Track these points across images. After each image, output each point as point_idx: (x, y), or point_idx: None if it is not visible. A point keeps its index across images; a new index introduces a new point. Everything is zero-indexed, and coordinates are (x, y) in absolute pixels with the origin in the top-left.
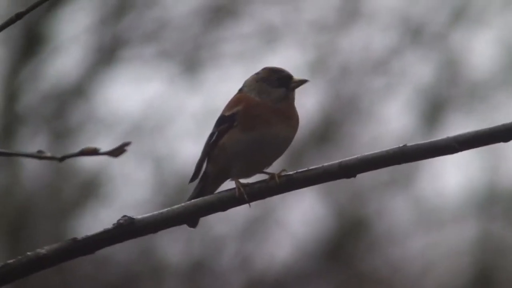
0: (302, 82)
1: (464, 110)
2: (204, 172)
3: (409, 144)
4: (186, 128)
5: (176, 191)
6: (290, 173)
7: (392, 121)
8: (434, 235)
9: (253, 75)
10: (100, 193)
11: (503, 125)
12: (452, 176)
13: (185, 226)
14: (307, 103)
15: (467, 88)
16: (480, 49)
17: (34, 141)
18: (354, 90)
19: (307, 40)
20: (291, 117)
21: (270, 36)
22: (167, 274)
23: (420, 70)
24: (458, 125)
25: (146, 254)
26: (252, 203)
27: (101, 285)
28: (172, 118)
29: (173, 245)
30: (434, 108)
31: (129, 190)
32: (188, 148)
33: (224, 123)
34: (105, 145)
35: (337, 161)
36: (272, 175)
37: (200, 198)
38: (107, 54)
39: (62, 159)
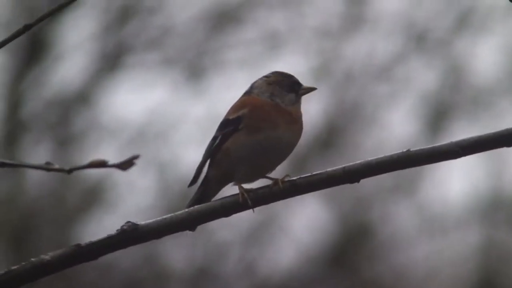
0: (311, 89)
1: (468, 117)
2: (205, 176)
3: (412, 149)
4: (189, 134)
5: (180, 197)
6: (294, 178)
7: (396, 127)
8: (437, 241)
9: (262, 78)
10: (104, 199)
11: (506, 130)
12: (456, 183)
13: (186, 231)
14: (311, 109)
15: (471, 94)
16: (484, 56)
17: (38, 148)
18: (358, 96)
19: (311, 46)
20: (296, 122)
21: (273, 42)
22: (171, 280)
23: (424, 76)
24: (462, 132)
25: (149, 260)
26: (256, 209)
27: None
28: (175, 124)
29: (177, 251)
30: (438, 115)
31: (133, 197)
32: (192, 155)
33: (229, 126)
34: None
35: (341, 166)
36: (275, 181)
37: (204, 204)
38: (110, 61)
39: (70, 171)
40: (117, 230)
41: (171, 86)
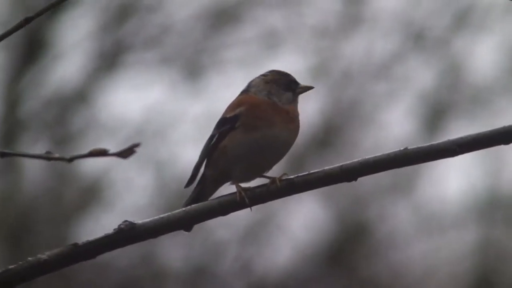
0: (308, 88)
1: (466, 116)
2: (202, 175)
3: (410, 147)
4: (187, 133)
5: (177, 196)
6: (291, 177)
7: (394, 126)
8: (435, 240)
9: (259, 77)
10: (102, 198)
11: (503, 128)
12: (453, 182)
13: (182, 231)
14: (309, 108)
15: (469, 93)
16: (482, 55)
17: (36, 147)
18: (356, 95)
19: (309, 45)
20: (293, 121)
21: (272, 41)
22: (168, 279)
23: (422, 75)
24: (460, 131)
25: (147, 259)
26: (253, 207)
27: None
28: (173, 123)
29: (174, 250)
30: (436, 113)
31: (131, 195)
32: (190, 153)
33: (226, 124)
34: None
35: (338, 165)
36: (273, 179)
37: (201, 203)
38: (109, 60)
39: (71, 160)
40: (114, 229)
41: (169, 84)
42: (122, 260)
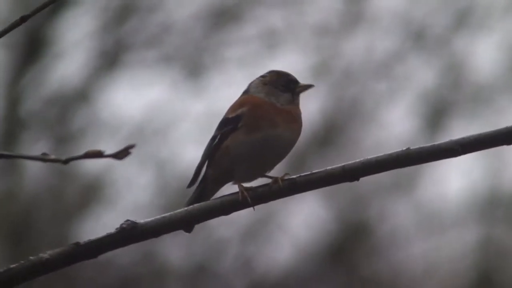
0: (308, 87)
1: (467, 114)
2: (204, 175)
3: (412, 147)
4: (188, 132)
5: (179, 195)
6: (293, 176)
7: (395, 125)
8: (436, 239)
9: (259, 78)
10: (102, 196)
11: (506, 128)
12: (454, 180)
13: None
14: (310, 107)
15: (470, 92)
16: (483, 53)
17: (37, 146)
18: (357, 94)
19: (309, 44)
20: (295, 120)
21: (272, 40)
22: (169, 277)
23: (423, 74)
24: (461, 130)
25: (148, 257)
26: (254, 206)
27: None
28: (174, 122)
29: (175, 248)
30: (437, 112)
31: (132, 194)
32: (191, 152)
33: (228, 125)
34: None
35: (340, 165)
36: (275, 179)
37: (203, 202)
38: (110, 59)
39: (66, 161)
40: (116, 229)
41: (170, 83)
42: (123, 258)
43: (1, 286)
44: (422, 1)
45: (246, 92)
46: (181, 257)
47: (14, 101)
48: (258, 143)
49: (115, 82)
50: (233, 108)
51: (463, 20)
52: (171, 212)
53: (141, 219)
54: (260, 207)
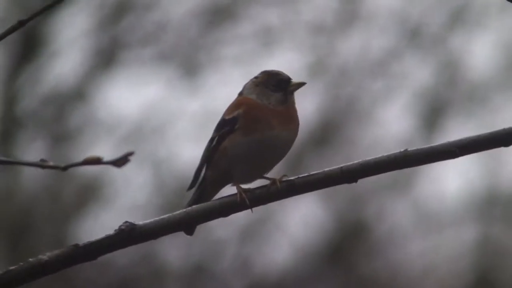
0: (300, 85)
1: (463, 113)
2: (203, 177)
3: (410, 149)
4: (185, 130)
5: (176, 194)
6: (291, 178)
7: (391, 124)
8: (434, 238)
9: (252, 79)
10: (100, 196)
11: (504, 130)
12: (452, 179)
13: (184, 234)
14: (306, 106)
15: (466, 90)
16: (479, 51)
17: (33, 145)
18: (353, 92)
19: (305, 42)
20: (291, 120)
21: (268, 39)
22: (167, 278)
23: (419, 72)
24: (458, 128)
25: (147, 257)
26: (253, 208)
27: None
28: (171, 120)
29: (174, 248)
30: (433, 111)
31: (129, 193)
32: (188, 151)
33: (225, 126)
34: (105, 149)
35: (338, 166)
36: (273, 181)
37: (202, 204)
38: (106, 57)
39: (65, 168)
40: (115, 230)
41: (166, 82)
42: (122, 259)
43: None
44: None
45: (240, 93)
46: (179, 258)
47: (10, 100)
48: (255, 144)
49: (111, 80)
50: (230, 109)
51: (459, 18)
52: (170, 214)
53: (139, 220)
54: (258, 207)
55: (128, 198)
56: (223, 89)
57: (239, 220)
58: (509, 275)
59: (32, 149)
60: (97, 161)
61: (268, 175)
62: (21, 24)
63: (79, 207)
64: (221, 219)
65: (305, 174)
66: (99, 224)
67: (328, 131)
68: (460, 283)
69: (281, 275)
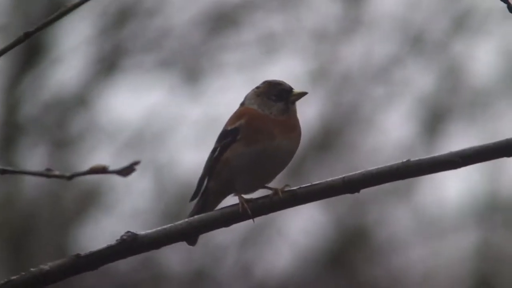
0: (301, 94)
1: (465, 119)
2: (206, 188)
3: (412, 159)
4: (187, 137)
5: (177, 200)
6: (294, 188)
7: (393, 130)
8: (434, 244)
9: (253, 89)
10: (101, 202)
11: (506, 140)
12: (453, 185)
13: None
14: (308, 113)
15: (468, 96)
16: (481, 58)
17: (35, 151)
18: (355, 99)
19: (308, 49)
20: (292, 129)
21: (271, 45)
22: (168, 283)
23: (421, 79)
24: (460, 135)
25: (147, 263)
26: (255, 218)
27: None
28: (173, 127)
29: (175, 254)
30: (435, 117)
31: (130, 199)
32: (189, 157)
33: (227, 137)
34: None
35: (340, 176)
36: (275, 190)
37: (204, 214)
38: (108, 64)
39: (70, 177)
40: (116, 240)
41: (169, 88)
42: (122, 264)
43: None
44: (420, 6)
45: (242, 104)
46: (180, 263)
47: (12, 106)
48: (257, 154)
49: (113, 87)
50: (232, 120)
51: (461, 25)
52: (171, 224)
53: (140, 227)
54: None
55: (129, 205)
56: (225, 95)
57: (240, 226)
58: (509, 281)
59: (34, 155)
60: (102, 170)
61: (270, 184)
62: (26, 36)
63: (80, 213)
64: None
65: (307, 184)
66: (100, 231)
67: (330, 137)
68: None
69: (281, 281)
